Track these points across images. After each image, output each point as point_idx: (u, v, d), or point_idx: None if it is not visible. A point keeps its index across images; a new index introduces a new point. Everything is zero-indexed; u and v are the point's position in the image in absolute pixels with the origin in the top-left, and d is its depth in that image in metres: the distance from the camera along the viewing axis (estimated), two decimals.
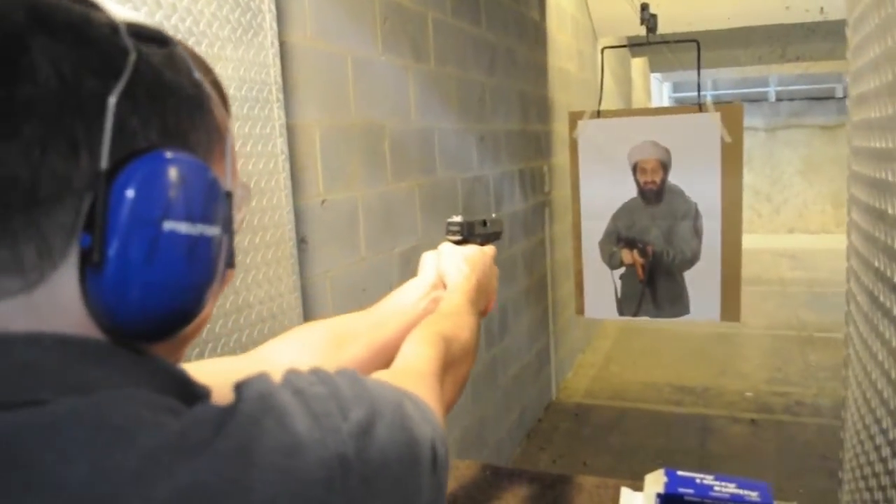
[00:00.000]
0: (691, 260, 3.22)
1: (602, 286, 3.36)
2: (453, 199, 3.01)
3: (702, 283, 3.20)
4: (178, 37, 0.54)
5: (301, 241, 1.87)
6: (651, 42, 3.78)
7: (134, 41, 0.46)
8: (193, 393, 0.49)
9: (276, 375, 0.48)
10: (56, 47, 0.43)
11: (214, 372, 0.62)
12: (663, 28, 5.06)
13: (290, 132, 1.79)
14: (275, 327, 1.61)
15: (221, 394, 0.49)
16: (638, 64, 8.36)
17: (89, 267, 0.43)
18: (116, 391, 0.43)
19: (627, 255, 3.32)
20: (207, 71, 0.55)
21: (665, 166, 3.21)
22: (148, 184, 0.44)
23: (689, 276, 3.24)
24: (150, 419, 0.41)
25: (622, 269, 3.34)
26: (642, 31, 5.38)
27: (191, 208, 0.46)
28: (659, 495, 1.02)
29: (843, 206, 10.68)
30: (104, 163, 0.43)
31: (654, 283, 3.30)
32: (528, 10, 4.14)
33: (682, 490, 1.03)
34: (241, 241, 1.53)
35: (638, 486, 1.19)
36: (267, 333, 1.57)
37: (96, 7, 0.46)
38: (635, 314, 3.36)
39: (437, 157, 2.84)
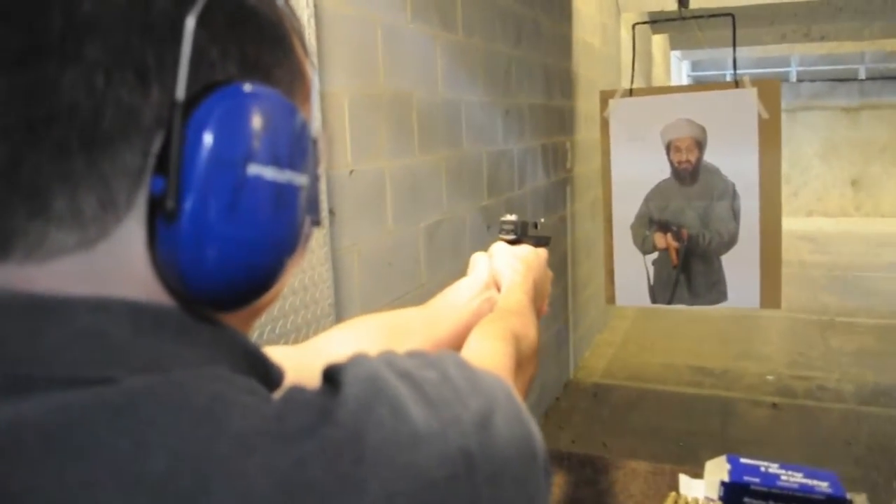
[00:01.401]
0: (728, 243, 3.07)
1: (634, 272, 3.21)
2: (479, 174, 2.94)
3: (740, 267, 3.05)
4: None
5: (330, 213, 1.82)
6: (684, 17, 3.63)
7: None
8: (271, 374, 0.43)
9: (377, 356, 0.42)
10: None
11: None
12: (691, 3, 4.95)
13: (322, 99, 1.73)
14: (306, 299, 1.56)
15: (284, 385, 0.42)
16: (658, 41, 8.22)
17: (161, 218, 0.37)
18: (197, 369, 0.37)
19: (661, 239, 3.17)
20: (286, 4, 0.47)
21: (700, 145, 3.09)
22: (230, 120, 0.37)
23: (726, 260, 3.08)
24: (239, 400, 0.35)
25: (655, 254, 3.19)
26: (665, 6, 5.28)
27: (277, 151, 0.39)
28: (723, 483, 0.97)
29: (862, 189, 10.65)
30: (181, 94, 0.37)
31: (689, 269, 3.15)
32: None
33: (747, 479, 0.98)
34: None
35: (696, 473, 1.14)
36: (298, 305, 1.52)
37: None
38: (669, 302, 3.23)
39: (464, 129, 2.77)
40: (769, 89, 2.97)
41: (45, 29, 0.35)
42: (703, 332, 5.72)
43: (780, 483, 0.97)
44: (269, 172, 0.39)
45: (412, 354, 0.43)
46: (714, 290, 3.13)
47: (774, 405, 4.29)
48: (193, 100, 0.37)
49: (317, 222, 0.45)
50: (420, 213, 2.42)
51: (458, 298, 0.97)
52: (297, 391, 0.37)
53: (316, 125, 0.47)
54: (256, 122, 0.38)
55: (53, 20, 0.35)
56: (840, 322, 5.88)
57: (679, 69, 11.85)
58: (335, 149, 1.89)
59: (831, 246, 9.34)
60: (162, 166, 0.37)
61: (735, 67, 3.43)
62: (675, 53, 10.91)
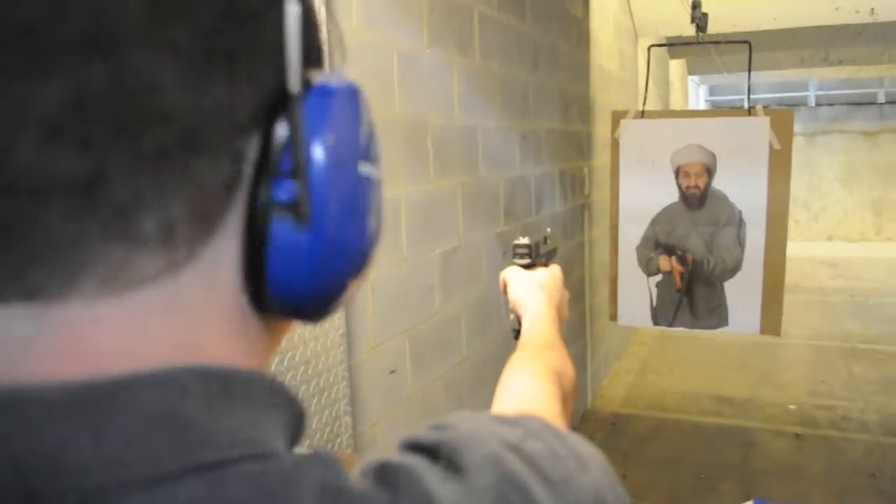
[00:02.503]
0: (732, 270, 3.07)
1: (637, 293, 3.21)
2: (495, 200, 2.91)
3: (742, 294, 3.03)
4: None
5: None
6: (701, 41, 3.65)
7: None
8: (303, 423, 0.37)
9: (473, 423, 0.38)
10: None
11: None
12: (710, 28, 4.94)
13: None
14: (315, 330, 1.52)
15: None
16: (676, 66, 8.20)
17: (281, 227, 0.32)
18: (295, 455, 0.32)
19: (665, 262, 3.17)
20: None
21: (710, 171, 3.07)
22: (339, 115, 0.34)
23: (729, 286, 3.07)
24: (358, 493, 0.31)
25: (659, 277, 3.18)
26: (683, 31, 5.26)
27: (371, 145, 0.36)
28: None
29: (883, 213, 10.54)
30: (295, 83, 0.32)
31: (692, 293, 3.14)
32: (571, 6, 4.03)
33: None
34: None
35: None
36: (307, 337, 1.49)
37: None
38: (671, 324, 3.22)
39: (480, 155, 2.74)
40: (782, 119, 2.94)
41: (126, 13, 0.28)
42: (722, 359, 5.62)
43: None
44: (373, 170, 0.36)
45: (504, 421, 0.39)
46: (715, 314, 3.13)
47: (797, 436, 4.19)
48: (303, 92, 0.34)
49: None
50: (435, 239, 2.38)
51: None
52: (415, 479, 0.33)
53: None
54: (357, 115, 0.35)
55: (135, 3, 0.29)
56: (862, 349, 5.77)
57: (697, 94, 11.82)
58: None
59: (852, 271, 9.21)
60: (269, 171, 0.32)
61: (749, 94, 3.40)
62: (693, 78, 10.88)
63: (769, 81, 11.83)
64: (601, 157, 4.81)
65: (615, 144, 3.21)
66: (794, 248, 9.63)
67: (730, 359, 5.61)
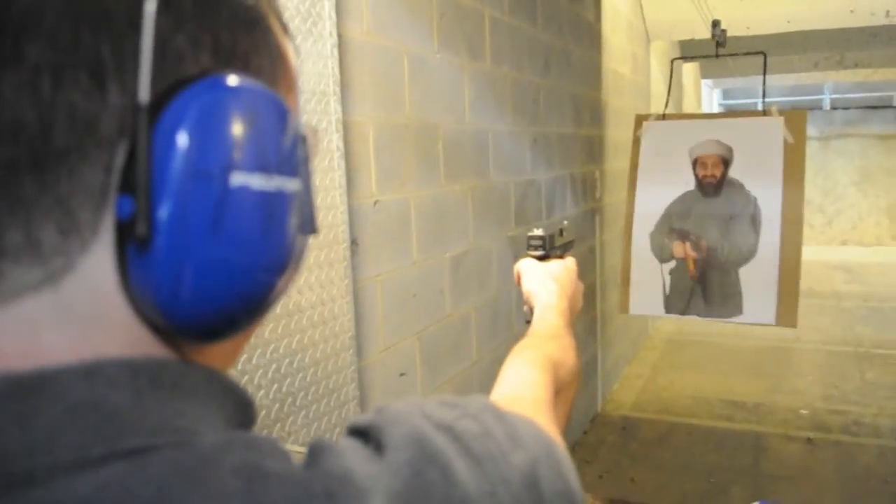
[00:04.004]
0: (747, 256, 3.04)
1: (650, 281, 3.20)
2: (506, 204, 2.92)
3: (758, 283, 3.01)
4: None
5: (352, 243, 1.80)
6: (718, 55, 3.72)
7: None
8: (253, 413, 0.39)
9: (410, 406, 0.38)
10: None
11: None
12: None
13: (346, 129, 1.72)
14: (325, 333, 1.53)
15: None
16: (689, 69, 8.18)
17: (132, 242, 0.31)
18: (221, 437, 0.33)
19: (679, 248, 3.16)
20: None
21: (726, 162, 3.13)
22: (206, 122, 0.32)
23: (744, 274, 3.04)
24: (277, 471, 0.32)
25: (672, 264, 3.15)
26: (695, 33, 5.26)
27: (265, 154, 0.34)
28: None
29: None
30: (144, 95, 0.31)
31: (706, 280, 3.11)
32: (583, 10, 4.04)
33: None
34: None
35: None
36: (318, 339, 1.50)
37: None
38: (683, 312, 3.18)
39: (491, 159, 2.75)
40: (796, 118, 3.02)
41: None
42: (734, 363, 5.60)
43: None
44: (256, 181, 0.34)
45: (445, 403, 0.40)
46: (730, 302, 3.08)
47: (809, 440, 4.17)
48: (160, 100, 0.32)
49: (312, 231, 0.39)
50: (446, 243, 2.39)
51: None
52: (333, 457, 0.34)
53: (303, 118, 0.42)
54: (238, 121, 0.33)
55: None
56: (876, 354, 5.73)
57: (710, 97, 11.79)
58: (360, 178, 1.88)
59: (867, 276, 9.14)
60: (128, 183, 0.31)
61: (764, 98, 3.46)
62: (707, 82, 10.85)
63: (784, 85, 11.78)
64: (613, 161, 4.80)
65: (636, 142, 3.27)
66: (808, 253, 9.56)
67: (741, 363, 5.58)
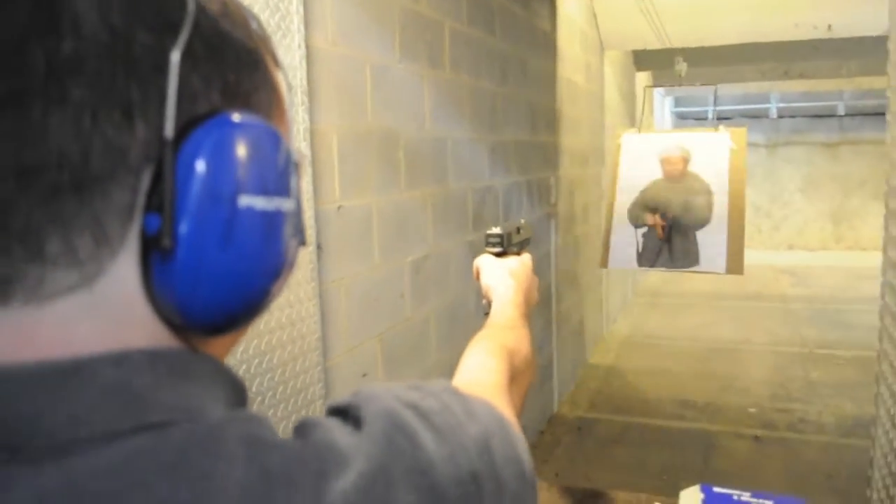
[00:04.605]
0: (703, 223, 3.91)
1: (625, 242, 4.03)
2: (464, 209, 2.99)
3: (711, 242, 3.88)
4: None
5: (317, 247, 1.85)
6: (681, 85, 4.79)
7: None
8: (246, 397, 0.46)
9: (380, 389, 0.46)
10: None
11: None
12: (675, 42, 5.08)
13: (312, 136, 1.77)
14: (293, 334, 1.58)
15: None
16: (642, 78, 8.37)
17: (156, 252, 0.37)
18: (226, 414, 0.39)
19: (650, 218, 4.02)
20: (259, 22, 0.48)
21: (686, 161, 4.04)
22: (220, 153, 0.38)
23: (700, 235, 3.88)
24: (274, 442, 0.38)
25: (644, 229, 4.01)
26: (647, 44, 5.41)
27: (266, 179, 0.40)
28: None
29: (842, 222, 10.75)
30: (169, 130, 0.37)
31: (671, 241, 3.96)
32: (539, 21, 4.13)
33: None
34: None
35: (672, 503, 1.17)
36: (286, 340, 1.55)
37: None
38: (652, 265, 4.06)
39: (450, 166, 2.82)
40: (738, 133, 4.04)
41: (28, 72, 0.35)
42: (686, 365, 5.75)
43: None
44: (259, 202, 0.40)
45: (411, 386, 0.47)
46: (689, 257, 3.91)
47: (757, 438, 4.32)
48: (181, 134, 0.37)
49: (302, 242, 0.46)
50: (406, 247, 2.45)
51: None
52: (319, 430, 0.40)
53: (294, 143, 0.47)
54: (244, 152, 0.39)
55: (35, 62, 0.35)
56: (820, 354, 5.94)
57: (662, 105, 12.04)
58: (324, 185, 1.93)
59: (812, 279, 9.44)
60: (152, 203, 0.37)
61: (715, 106, 4.00)
62: (659, 90, 11.09)
63: (733, 94, 12.09)
64: (568, 167, 4.91)
65: (618, 148, 4.17)
66: (756, 257, 9.82)
67: (693, 364, 5.74)
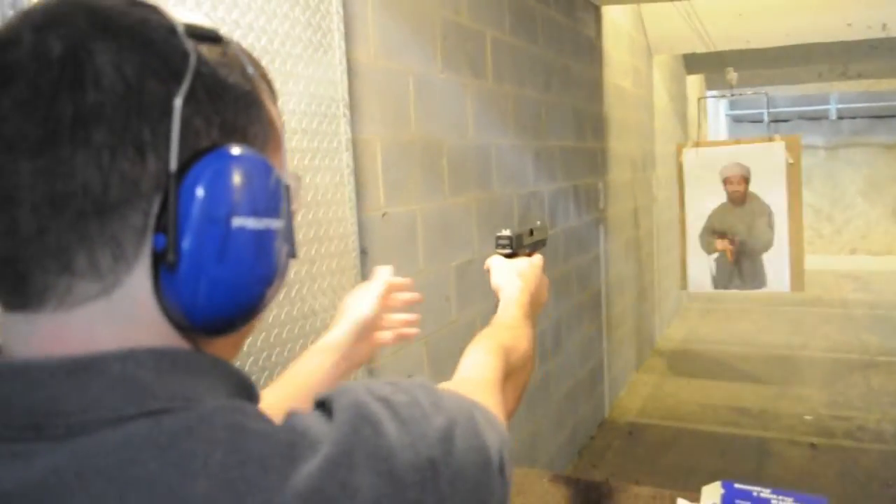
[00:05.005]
0: (766, 246, 4.44)
1: (700, 267, 4.62)
2: (509, 215, 3.04)
3: (775, 263, 4.41)
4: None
5: (362, 253, 1.92)
6: (732, 95, 5.46)
7: (192, 41, 0.46)
8: (254, 393, 0.52)
9: (358, 384, 0.52)
10: (118, 51, 0.44)
11: None
12: (721, 45, 5.04)
13: (355, 147, 1.85)
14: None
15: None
16: (693, 81, 8.29)
17: (163, 266, 0.44)
18: (213, 401, 0.45)
19: (719, 244, 4.57)
20: (256, 64, 0.55)
21: (746, 179, 4.46)
22: (215, 182, 0.45)
23: (765, 258, 4.44)
24: (258, 429, 0.44)
25: (716, 255, 4.58)
26: (696, 47, 5.37)
27: (256, 203, 0.47)
28: None
29: None
30: (173, 164, 0.44)
31: (740, 264, 4.50)
32: (583, 27, 4.16)
33: (738, 502, 1.04)
34: (308, 250, 1.58)
35: (695, 498, 1.20)
36: None
37: (153, 9, 0.47)
38: (726, 287, 4.67)
39: (494, 172, 2.88)
40: (793, 141, 4.35)
41: (58, 119, 0.42)
42: (741, 371, 5.67)
43: None
44: (250, 223, 0.46)
45: (388, 383, 0.53)
46: (757, 279, 4.48)
47: (812, 445, 4.24)
48: (184, 167, 0.44)
49: (293, 255, 0.53)
50: (451, 252, 2.51)
51: (317, 373, 0.96)
52: (299, 419, 0.46)
53: (288, 168, 0.55)
54: (237, 181, 0.46)
55: (64, 110, 0.42)
56: (882, 361, 5.79)
57: (717, 108, 11.87)
58: (368, 192, 2.01)
59: (875, 284, 9.18)
60: (161, 225, 0.44)
61: (768, 109, 4.24)
62: (713, 93, 10.95)
63: (790, 95, 11.86)
64: (617, 173, 4.92)
65: (680, 166, 4.66)
66: (817, 262, 9.60)
67: (749, 371, 5.66)
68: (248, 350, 1.42)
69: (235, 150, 0.47)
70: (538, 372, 3.52)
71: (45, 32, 0.44)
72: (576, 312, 4.11)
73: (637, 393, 5.28)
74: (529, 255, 1.14)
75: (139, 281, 0.45)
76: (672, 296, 7.37)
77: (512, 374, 0.81)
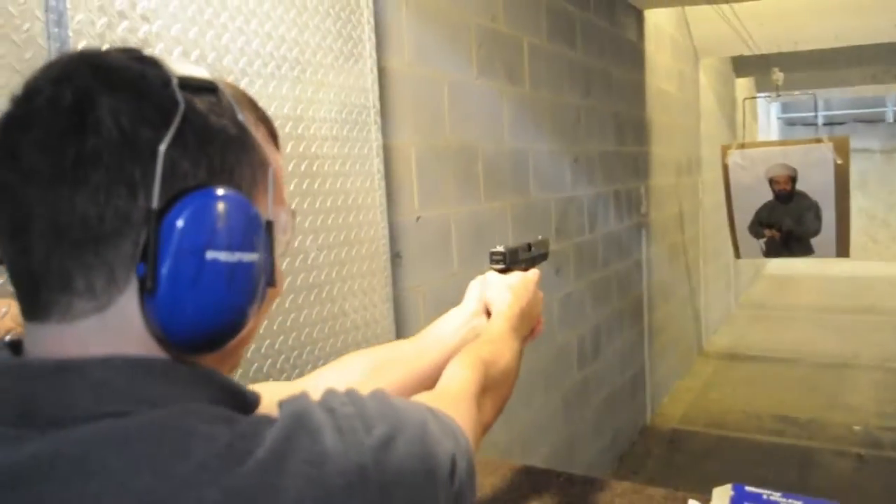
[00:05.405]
0: (814, 233, 4.57)
1: (750, 245, 4.82)
2: (546, 219, 3.06)
3: (822, 239, 4.54)
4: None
5: (395, 256, 1.97)
6: (779, 95, 5.14)
7: (184, 93, 0.52)
8: (246, 400, 0.57)
9: (317, 394, 0.56)
10: (117, 103, 0.50)
11: (269, 392, 0.69)
12: (768, 48, 4.97)
13: (387, 152, 1.89)
14: (367, 335, 1.70)
15: (270, 408, 0.56)
16: (742, 84, 8.16)
17: (145, 291, 0.50)
18: (178, 406, 0.50)
19: (767, 232, 4.72)
20: (255, 108, 0.61)
21: (793, 179, 4.50)
22: (193, 218, 0.50)
23: (813, 240, 4.58)
24: (204, 432, 0.49)
25: (764, 238, 4.76)
26: (744, 50, 5.30)
27: (231, 238, 0.52)
28: None
29: None
30: (155, 202, 0.49)
31: (789, 244, 4.70)
32: (625, 31, 4.16)
33: None
34: (338, 253, 1.63)
35: (706, 500, 1.20)
36: (360, 340, 1.67)
37: (153, 63, 0.53)
38: (778, 256, 4.88)
39: (531, 177, 2.90)
40: (842, 143, 4.31)
41: (63, 159, 0.49)
42: (789, 380, 5.57)
43: None
44: (222, 256, 0.51)
45: (347, 393, 0.57)
46: (805, 250, 4.66)
47: (860, 456, 4.15)
48: (169, 203, 0.50)
49: (271, 284, 0.57)
50: (486, 257, 2.53)
51: (446, 329, 1.06)
52: (248, 423, 0.51)
53: (274, 207, 0.59)
54: (213, 217, 0.51)
55: (68, 153, 0.49)
56: None
57: (768, 111, 11.66)
58: (402, 197, 2.05)
59: None
60: (144, 255, 0.50)
61: (817, 112, 4.21)
62: (763, 96, 10.75)
63: (845, 98, 11.58)
64: (660, 177, 4.88)
65: (725, 167, 4.64)
66: (871, 269, 9.35)
67: (796, 380, 5.55)
68: (280, 348, 1.48)
69: (217, 190, 0.52)
70: (577, 376, 3.53)
71: (60, 85, 0.51)
72: (616, 318, 4.10)
73: (680, 400, 5.23)
74: (525, 269, 1.14)
75: (129, 301, 0.51)
76: (720, 302, 7.27)
77: (491, 387, 0.84)
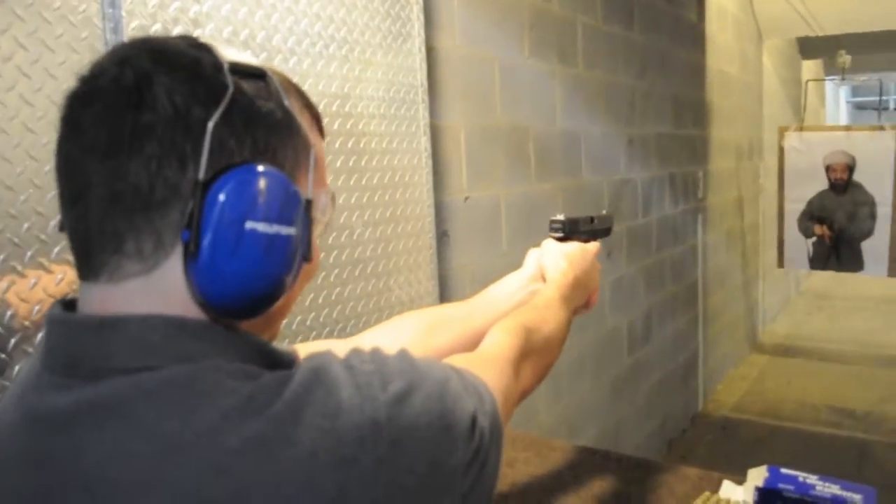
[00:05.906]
0: (867, 234, 4.39)
1: (797, 248, 4.64)
2: (598, 201, 3.04)
3: (874, 251, 4.37)
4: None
5: (443, 235, 1.99)
6: (843, 78, 5.28)
7: (234, 77, 0.56)
8: (278, 359, 0.60)
9: (341, 353, 0.59)
10: (172, 83, 0.54)
11: (322, 348, 0.71)
12: (832, 29, 4.82)
13: (435, 131, 1.91)
14: (412, 310, 1.73)
15: None
16: (808, 66, 7.91)
17: (189, 256, 0.54)
18: (208, 361, 0.55)
19: (818, 229, 4.54)
20: (301, 96, 0.65)
21: (850, 168, 4.36)
22: (235, 191, 0.54)
23: (864, 245, 4.41)
24: (229, 385, 0.53)
25: (814, 238, 4.58)
26: (808, 31, 5.14)
27: (269, 211, 0.56)
28: (757, 488, 1.03)
29: None
30: (202, 174, 0.54)
31: (838, 249, 4.51)
32: (684, 11, 4.07)
33: (781, 486, 1.04)
34: (384, 230, 1.66)
35: (740, 480, 1.20)
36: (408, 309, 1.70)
37: (207, 49, 0.58)
38: (823, 268, 4.70)
39: (583, 159, 2.88)
40: None
41: (120, 131, 0.53)
42: (847, 371, 5.43)
43: (812, 492, 1.02)
44: (261, 226, 0.55)
45: (372, 351, 0.60)
46: (855, 262, 4.47)
47: None
48: (214, 177, 0.54)
49: (307, 259, 0.61)
50: (536, 237, 2.52)
51: (502, 292, 1.09)
52: (272, 378, 0.54)
53: (314, 188, 0.63)
54: (254, 191, 0.55)
55: (125, 125, 0.53)
56: None
57: (837, 95, 11.28)
58: (451, 176, 2.07)
59: None
60: (189, 223, 0.54)
61: (879, 113, 3.88)
62: (833, 79, 10.40)
63: None
64: (719, 161, 4.79)
65: (781, 150, 4.53)
66: None
67: (854, 372, 5.41)
68: (324, 321, 1.52)
69: (259, 167, 0.56)
70: (626, 360, 3.51)
71: (123, 66, 0.55)
72: (669, 304, 4.06)
73: (734, 387, 5.15)
74: (586, 241, 1.15)
75: (174, 265, 0.55)
76: (779, 290, 7.11)
77: (532, 353, 0.85)
